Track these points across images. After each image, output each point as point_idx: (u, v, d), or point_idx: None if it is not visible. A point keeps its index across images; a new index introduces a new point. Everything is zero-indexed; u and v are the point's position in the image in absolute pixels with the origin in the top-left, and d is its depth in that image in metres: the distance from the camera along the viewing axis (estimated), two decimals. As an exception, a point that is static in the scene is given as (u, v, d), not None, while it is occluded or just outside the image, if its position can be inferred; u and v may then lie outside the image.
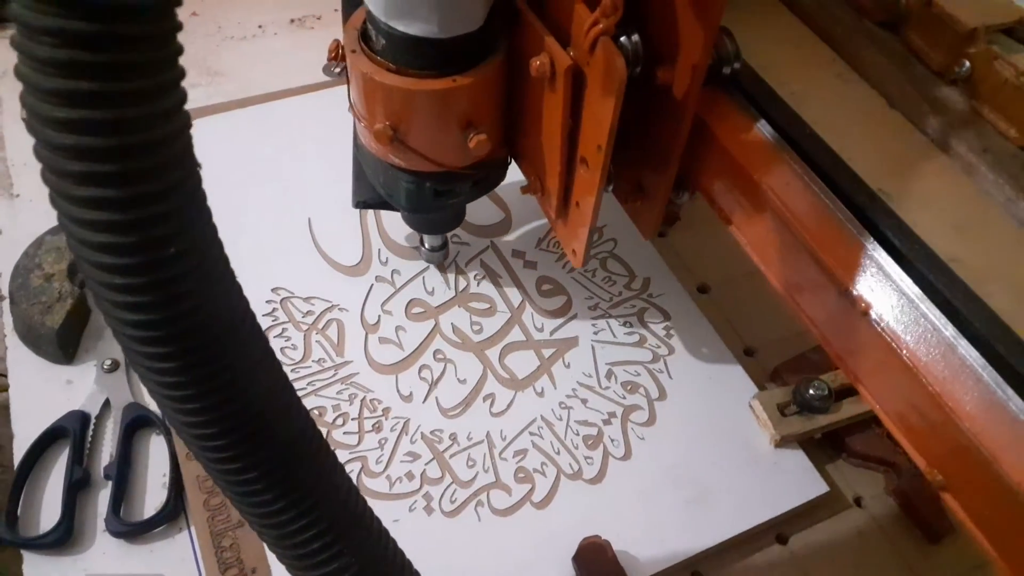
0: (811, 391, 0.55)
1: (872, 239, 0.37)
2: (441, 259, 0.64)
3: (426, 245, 0.63)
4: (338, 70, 0.47)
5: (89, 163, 0.20)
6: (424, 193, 0.50)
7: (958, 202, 0.40)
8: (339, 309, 0.61)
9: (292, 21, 0.86)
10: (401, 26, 0.41)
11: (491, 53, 0.44)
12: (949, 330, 0.34)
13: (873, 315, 0.36)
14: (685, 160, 0.44)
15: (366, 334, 0.60)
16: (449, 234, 0.63)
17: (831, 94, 0.45)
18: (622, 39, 0.39)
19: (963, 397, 0.32)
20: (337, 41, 0.46)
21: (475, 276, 0.64)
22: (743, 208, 0.43)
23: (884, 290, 0.36)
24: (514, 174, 0.53)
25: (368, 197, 0.57)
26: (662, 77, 0.41)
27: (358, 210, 0.67)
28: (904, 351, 0.34)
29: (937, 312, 0.34)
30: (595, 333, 0.62)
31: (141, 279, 0.21)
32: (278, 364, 0.27)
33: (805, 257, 0.39)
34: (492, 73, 0.44)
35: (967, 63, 0.42)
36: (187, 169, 0.22)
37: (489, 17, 0.42)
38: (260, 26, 0.85)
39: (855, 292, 0.36)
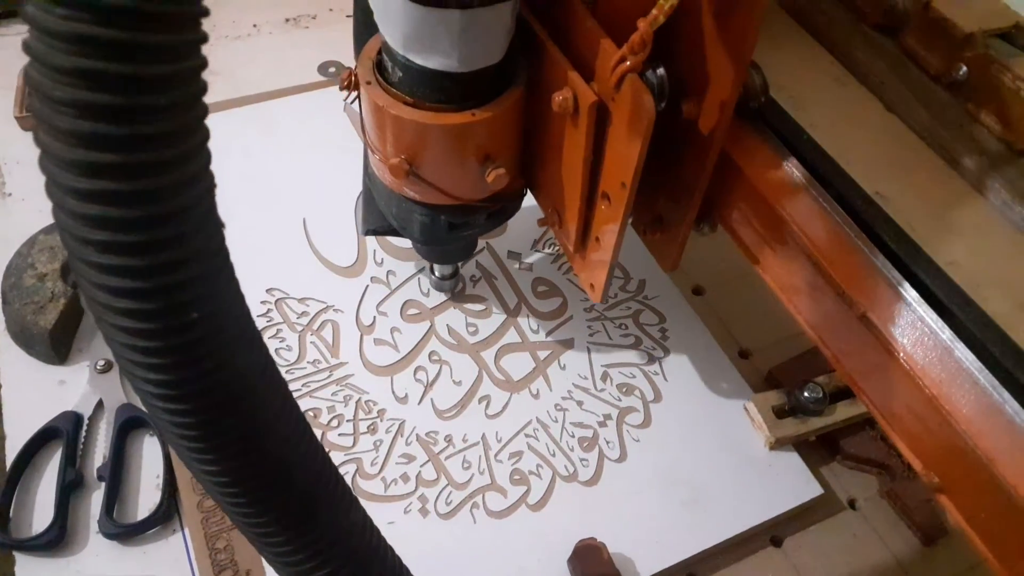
0: (806, 394, 0.55)
1: (869, 242, 0.37)
2: (452, 288, 0.63)
3: (436, 274, 0.62)
4: (351, 99, 0.45)
5: (112, 233, 0.19)
6: (438, 226, 0.49)
7: (954, 206, 0.40)
8: (334, 310, 0.61)
9: (287, 20, 0.86)
10: (419, 60, 0.39)
11: (510, 85, 0.43)
12: (946, 333, 0.34)
13: (870, 318, 0.36)
14: (708, 193, 0.43)
15: (361, 335, 0.59)
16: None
17: (828, 97, 0.46)
18: (647, 73, 0.37)
19: (960, 400, 0.33)
20: (350, 70, 0.44)
21: (471, 277, 0.64)
22: (750, 218, 0.43)
23: (881, 293, 0.36)
24: (527, 198, 0.52)
25: (378, 225, 0.56)
26: (688, 111, 0.40)
27: (353, 209, 0.67)
28: (901, 354, 0.34)
29: (934, 315, 0.34)
30: (590, 335, 0.62)
31: (162, 343, 0.21)
32: (298, 410, 0.27)
33: (803, 260, 0.39)
34: (512, 106, 0.43)
35: (964, 67, 0.42)
36: (211, 232, 0.22)
37: (509, 49, 0.41)
38: (255, 25, 0.85)
39: (852, 295, 0.36)
